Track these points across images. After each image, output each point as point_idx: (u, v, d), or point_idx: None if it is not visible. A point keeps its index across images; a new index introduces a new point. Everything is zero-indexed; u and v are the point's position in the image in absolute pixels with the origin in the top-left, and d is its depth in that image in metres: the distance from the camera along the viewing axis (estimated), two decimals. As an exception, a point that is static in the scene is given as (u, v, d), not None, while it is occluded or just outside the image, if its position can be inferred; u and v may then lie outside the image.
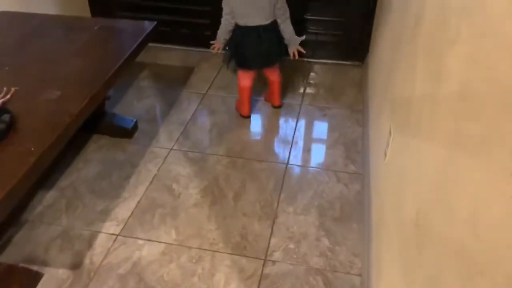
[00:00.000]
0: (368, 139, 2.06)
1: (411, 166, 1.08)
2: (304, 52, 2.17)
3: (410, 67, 1.24)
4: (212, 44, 2.21)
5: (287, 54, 2.18)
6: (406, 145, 1.18)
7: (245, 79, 2.23)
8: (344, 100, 2.48)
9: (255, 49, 2.11)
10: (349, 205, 1.82)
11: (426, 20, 1.13)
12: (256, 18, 2.06)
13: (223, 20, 2.12)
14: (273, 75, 2.28)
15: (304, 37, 2.16)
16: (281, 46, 2.16)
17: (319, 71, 2.75)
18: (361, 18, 2.66)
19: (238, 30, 2.10)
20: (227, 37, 2.14)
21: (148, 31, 1.96)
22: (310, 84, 2.61)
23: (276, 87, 2.34)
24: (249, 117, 2.33)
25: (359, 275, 1.55)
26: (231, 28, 2.11)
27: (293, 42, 2.14)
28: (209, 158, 2.07)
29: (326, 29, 2.77)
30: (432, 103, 0.95)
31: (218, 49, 2.19)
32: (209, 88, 2.59)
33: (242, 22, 2.07)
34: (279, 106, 2.41)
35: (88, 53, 1.80)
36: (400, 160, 1.24)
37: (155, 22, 2.04)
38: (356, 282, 1.53)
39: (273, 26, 2.09)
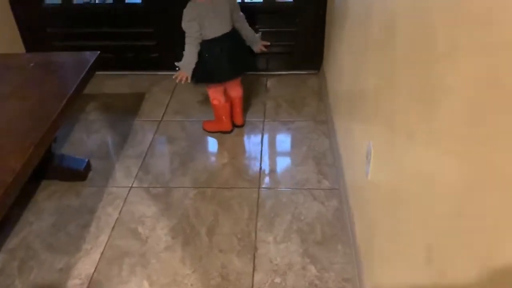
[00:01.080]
0: (338, 151, 1.98)
1: (409, 186, 0.99)
2: (269, 43, 2.19)
3: (387, 81, 1.16)
4: (176, 75, 2.03)
5: (253, 55, 2.17)
6: (397, 162, 1.09)
7: (221, 95, 2.13)
8: (307, 111, 2.39)
9: (225, 59, 2.01)
10: (329, 226, 1.72)
11: (400, 31, 1.04)
12: (219, 27, 1.96)
13: (190, 44, 1.96)
14: (235, 90, 2.17)
15: (260, 33, 2.17)
16: (247, 51, 2.12)
17: (277, 83, 2.66)
18: (313, 26, 2.59)
19: (205, 45, 1.98)
20: (196, 60, 1.98)
21: (91, 62, 1.78)
22: (269, 98, 2.51)
23: (239, 103, 2.22)
24: (232, 130, 2.24)
25: (353, 302, 1.45)
26: (199, 48, 1.97)
27: (255, 40, 2.12)
28: (175, 192, 1.91)
29: (278, 40, 2.68)
30: (427, 124, 0.86)
31: (187, 79, 2.01)
32: (164, 114, 2.43)
33: (210, 34, 1.95)
34: (242, 125, 2.29)
35: (26, 94, 1.60)
36: (391, 178, 1.14)
37: (98, 52, 1.86)
38: (351, 311, 1.43)
39: (234, 32, 2.03)
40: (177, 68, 2.03)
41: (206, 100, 2.45)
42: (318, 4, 2.52)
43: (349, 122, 1.82)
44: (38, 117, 1.47)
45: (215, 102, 2.15)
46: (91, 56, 1.84)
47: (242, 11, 2.09)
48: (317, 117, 2.35)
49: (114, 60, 2.71)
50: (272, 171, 2.01)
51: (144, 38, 2.68)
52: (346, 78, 1.90)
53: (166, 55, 2.69)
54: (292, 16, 2.58)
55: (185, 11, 1.94)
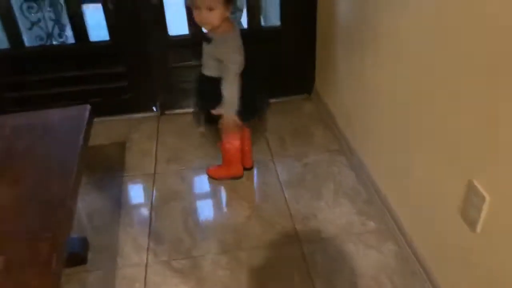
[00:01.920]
0: (374, 185, 1.77)
1: None
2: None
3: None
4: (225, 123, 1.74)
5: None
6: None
7: (239, 136, 1.87)
8: (317, 142, 2.18)
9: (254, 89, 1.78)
10: (397, 275, 1.50)
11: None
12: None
13: (235, 81, 1.67)
14: (245, 130, 1.90)
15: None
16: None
17: (270, 112, 2.40)
18: (302, 49, 2.39)
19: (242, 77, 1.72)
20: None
21: (86, 120, 1.43)
22: (269, 131, 2.25)
23: (249, 142, 1.96)
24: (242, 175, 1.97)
25: None
26: None
27: None
28: (202, 263, 1.59)
29: (266, 65, 2.45)
30: None
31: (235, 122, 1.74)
32: (155, 164, 2.08)
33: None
34: (252, 167, 2.02)
35: (16, 174, 1.22)
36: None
37: (88, 107, 1.51)
38: None
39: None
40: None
41: (198, 143, 2.17)
42: (305, 26, 2.33)
43: (389, 153, 1.63)
44: (46, 207, 1.10)
45: (228, 145, 1.86)
46: (81, 112, 1.48)
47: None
48: (330, 147, 2.13)
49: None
50: (306, 217, 1.75)
51: (116, 79, 2.33)
52: (367, 99, 1.71)
53: (142, 95, 2.37)
54: (280, 40, 2.36)
55: (230, 42, 1.67)
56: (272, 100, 2.45)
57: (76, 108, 1.50)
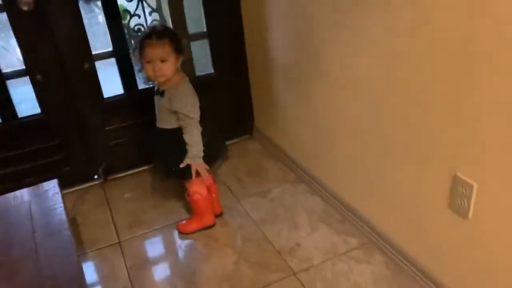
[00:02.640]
0: (344, 204, 1.86)
1: None
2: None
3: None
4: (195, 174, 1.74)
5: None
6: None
7: (204, 185, 1.85)
8: (273, 176, 2.23)
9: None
10: (396, 283, 1.57)
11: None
12: None
13: (198, 128, 1.71)
14: (209, 177, 1.88)
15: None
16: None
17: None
18: (238, 92, 2.47)
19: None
20: None
21: (58, 195, 1.32)
22: (224, 175, 2.26)
23: (215, 189, 1.95)
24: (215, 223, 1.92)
25: None
26: None
27: None
28: (206, 320, 1.51)
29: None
30: None
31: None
32: (117, 233, 1.96)
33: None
34: (221, 213, 1.99)
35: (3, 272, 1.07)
36: None
37: (55, 180, 1.40)
38: None
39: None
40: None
41: (154, 202, 2.12)
42: (238, 71, 2.41)
43: (351, 168, 1.73)
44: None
45: (197, 196, 1.82)
46: (49, 187, 1.36)
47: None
48: (288, 178, 2.20)
49: (17, 189, 2.10)
50: (292, 249, 1.77)
51: (51, 153, 2.17)
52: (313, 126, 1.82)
53: (81, 165, 2.24)
54: (215, 87, 2.41)
55: (185, 92, 1.68)
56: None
57: (42, 186, 1.39)
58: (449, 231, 1.36)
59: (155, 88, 1.78)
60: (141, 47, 1.63)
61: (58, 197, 1.29)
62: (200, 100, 1.74)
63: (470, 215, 1.25)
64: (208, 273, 1.71)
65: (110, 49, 2.14)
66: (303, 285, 1.60)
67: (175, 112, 1.70)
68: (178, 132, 1.73)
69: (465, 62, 1.12)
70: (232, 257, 1.76)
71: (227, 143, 2.46)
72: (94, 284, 1.70)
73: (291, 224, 1.90)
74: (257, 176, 2.24)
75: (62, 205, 1.26)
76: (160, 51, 1.61)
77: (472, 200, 1.22)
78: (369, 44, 1.45)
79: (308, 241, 1.80)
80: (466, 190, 1.23)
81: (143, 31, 1.90)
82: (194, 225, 1.90)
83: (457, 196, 1.27)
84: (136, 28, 2.14)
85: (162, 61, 1.62)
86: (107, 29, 2.09)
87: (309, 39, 1.78)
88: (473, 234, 1.27)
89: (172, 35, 1.67)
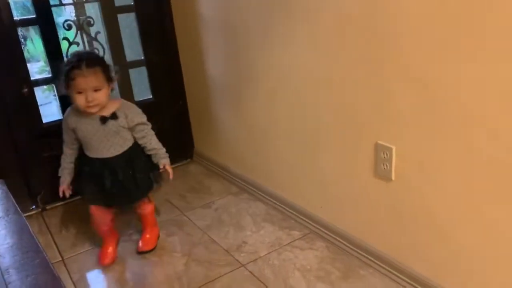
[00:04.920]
0: (287, 202, 1.99)
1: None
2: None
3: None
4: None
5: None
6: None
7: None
8: (216, 190, 2.31)
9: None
10: (338, 262, 1.68)
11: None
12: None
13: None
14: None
15: None
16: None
17: (163, 181, 2.47)
18: (177, 118, 2.57)
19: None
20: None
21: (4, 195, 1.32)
22: (168, 194, 2.30)
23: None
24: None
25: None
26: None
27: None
28: (160, 314, 1.51)
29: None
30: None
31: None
32: (59, 252, 1.91)
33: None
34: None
35: None
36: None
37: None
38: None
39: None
40: None
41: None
42: (177, 96, 2.54)
43: (287, 169, 1.88)
44: None
45: (152, 206, 1.92)
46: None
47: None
48: (230, 191, 2.29)
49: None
50: (239, 246, 1.83)
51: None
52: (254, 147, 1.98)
53: (18, 194, 2.13)
54: (154, 112, 2.50)
55: (132, 105, 1.76)
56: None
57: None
58: (377, 198, 1.52)
59: (100, 116, 1.65)
60: (70, 77, 1.54)
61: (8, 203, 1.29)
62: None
63: (393, 177, 1.42)
64: (160, 276, 1.72)
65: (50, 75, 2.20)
66: (252, 273, 1.66)
67: (130, 129, 1.71)
68: (137, 145, 1.75)
69: (372, 36, 1.34)
70: (181, 260, 1.79)
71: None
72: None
73: (237, 227, 1.97)
74: (200, 192, 2.31)
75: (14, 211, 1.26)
76: (93, 79, 1.54)
77: (393, 162, 1.40)
78: (295, 48, 1.65)
79: (254, 238, 1.88)
80: (387, 154, 1.41)
81: (67, 59, 1.74)
82: (154, 239, 1.90)
83: (380, 162, 1.45)
84: (75, 55, 2.22)
85: (96, 90, 1.56)
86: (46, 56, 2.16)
87: (239, 57, 1.97)
88: (398, 195, 1.44)
89: (102, 62, 1.63)
